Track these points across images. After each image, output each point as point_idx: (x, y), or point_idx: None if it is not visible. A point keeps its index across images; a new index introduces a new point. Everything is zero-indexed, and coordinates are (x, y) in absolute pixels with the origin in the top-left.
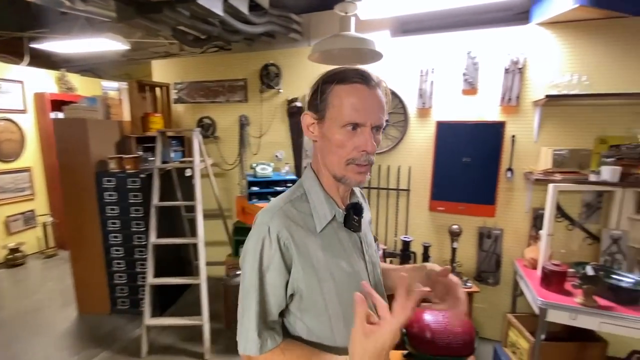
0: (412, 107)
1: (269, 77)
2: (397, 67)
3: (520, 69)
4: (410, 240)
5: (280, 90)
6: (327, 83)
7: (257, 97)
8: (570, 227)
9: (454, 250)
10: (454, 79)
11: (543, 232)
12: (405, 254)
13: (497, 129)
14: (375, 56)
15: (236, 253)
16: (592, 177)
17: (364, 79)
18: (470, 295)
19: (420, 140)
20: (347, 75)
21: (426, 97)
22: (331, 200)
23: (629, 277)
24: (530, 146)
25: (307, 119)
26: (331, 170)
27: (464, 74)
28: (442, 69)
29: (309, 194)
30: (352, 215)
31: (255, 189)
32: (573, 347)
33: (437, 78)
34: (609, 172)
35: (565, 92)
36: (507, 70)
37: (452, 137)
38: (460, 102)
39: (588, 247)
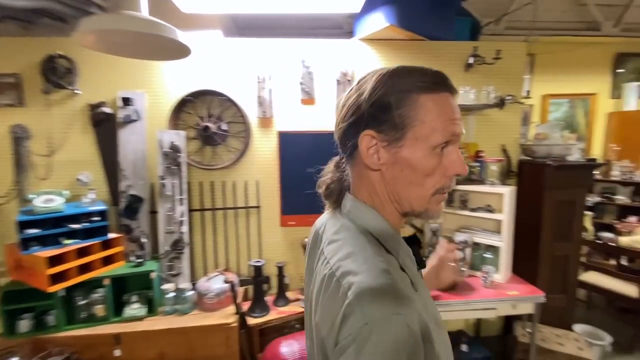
0: (252, 116)
1: (55, 73)
2: (231, 71)
3: (349, 80)
4: (262, 264)
5: (76, 92)
6: (404, 92)
7: (41, 100)
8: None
9: None
10: (292, 87)
11: None
12: (258, 281)
13: None
14: (180, 51)
15: (10, 331)
16: None
17: (449, 85)
18: None
19: (265, 152)
20: (435, 80)
21: (266, 106)
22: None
23: None
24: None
25: (368, 140)
26: (407, 205)
27: (301, 83)
28: (279, 76)
29: (385, 242)
30: (419, 251)
31: (34, 231)
32: None
33: (275, 86)
34: None
35: None
36: (338, 82)
37: (295, 148)
38: (300, 111)
39: None
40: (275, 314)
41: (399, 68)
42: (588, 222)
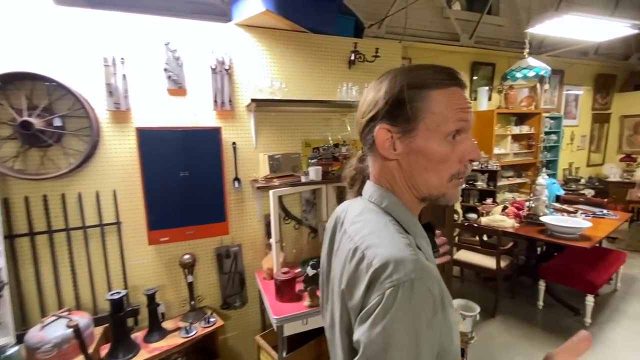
0: (101, 109)
1: None
2: (66, 49)
3: (227, 70)
4: (122, 296)
5: None
6: (417, 88)
7: None
8: (297, 226)
9: (190, 285)
10: (155, 74)
11: (272, 240)
12: (118, 317)
13: (213, 135)
14: None
15: None
16: (303, 178)
17: (459, 80)
18: (215, 332)
19: (121, 154)
20: (445, 77)
21: (120, 96)
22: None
23: None
24: (252, 153)
25: (384, 133)
26: (426, 190)
27: (166, 70)
28: (136, 60)
29: (404, 223)
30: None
31: None
32: (313, 347)
33: (131, 71)
34: (313, 172)
35: (269, 97)
36: (214, 70)
37: (162, 148)
38: (168, 104)
39: (313, 240)
40: (146, 352)
41: (413, 67)
42: (458, 207)
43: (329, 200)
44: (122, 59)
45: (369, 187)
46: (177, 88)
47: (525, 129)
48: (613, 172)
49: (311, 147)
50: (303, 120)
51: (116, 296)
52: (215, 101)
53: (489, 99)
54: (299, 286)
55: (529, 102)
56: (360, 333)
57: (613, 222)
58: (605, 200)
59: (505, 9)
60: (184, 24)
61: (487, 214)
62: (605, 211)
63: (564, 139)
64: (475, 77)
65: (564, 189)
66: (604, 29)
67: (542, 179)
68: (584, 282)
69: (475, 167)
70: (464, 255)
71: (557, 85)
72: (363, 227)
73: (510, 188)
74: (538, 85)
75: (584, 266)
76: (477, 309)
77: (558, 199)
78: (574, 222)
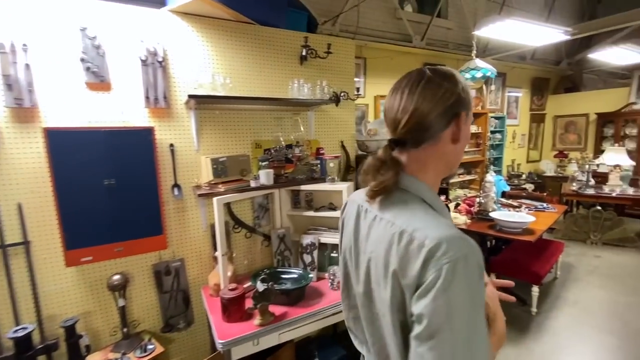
0: None
1: None
2: None
3: (161, 62)
4: (28, 332)
5: None
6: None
7: None
8: (249, 235)
9: (121, 309)
10: (69, 65)
11: (218, 254)
12: (23, 358)
13: (145, 136)
14: None
15: None
16: (253, 183)
17: None
18: None
19: (26, 161)
20: None
21: (22, 90)
22: None
23: (294, 272)
24: (193, 156)
25: (463, 119)
26: (454, 169)
27: (84, 60)
28: (43, 47)
29: (436, 207)
30: None
31: None
32: None
33: (36, 61)
34: (264, 176)
35: (211, 93)
36: (144, 62)
37: (80, 152)
38: (87, 100)
39: (266, 249)
40: None
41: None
42: None
43: (283, 206)
44: (24, 45)
45: (404, 178)
46: (99, 82)
47: (473, 128)
48: (549, 167)
49: (262, 148)
50: (252, 120)
51: (21, 333)
52: (147, 97)
53: None
54: (249, 303)
55: (476, 102)
56: (422, 307)
57: (552, 215)
58: (545, 194)
59: (453, 12)
60: (106, 7)
61: None
62: (545, 204)
63: (507, 138)
64: None
65: (509, 184)
66: (539, 34)
67: (490, 176)
68: (530, 273)
69: None
70: None
71: (500, 87)
72: (402, 213)
73: (461, 185)
74: (484, 87)
75: (529, 258)
76: None
77: (504, 194)
78: (520, 216)
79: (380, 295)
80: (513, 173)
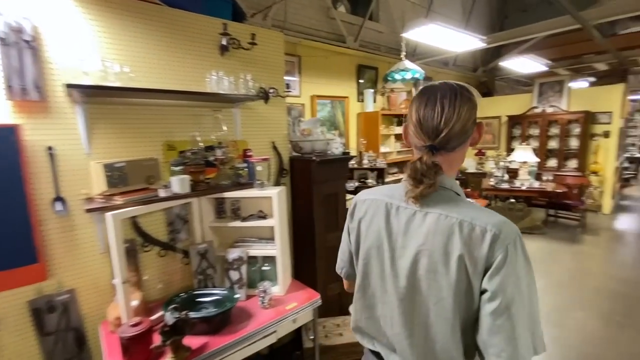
0: None
1: None
2: None
3: (29, 42)
4: None
5: None
6: None
7: None
8: (163, 253)
9: None
10: None
11: (116, 281)
12: None
13: (6, 138)
14: None
15: None
16: (163, 192)
17: None
18: None
19: None
20: None
21: None
22: None
23: (216, 294)
24: (82, 161)
25: (483, 125)
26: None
27: None
28: None
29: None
30: None
31: None
32: None
33: None
34: (177, 183)
35: (100, 83)
36: (4, 41)
37: None
38: None
39: (187, 267)
40: None
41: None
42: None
43: (204, 217)
44: None
45: (446, 179)
46: None
47: (400, 129)
48: (470, 165)
49: (177, 150)
50: (163, 117)
51: None
52: (10, 86)
53: (374, 100)
54: (158, 339)
55: (407, 104)
56: (496, 284)
57: None
58: (468, 189)
59: (384, 16)
60: None
61: None
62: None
63: None
64: (361, 80)
65: None
66: (459, 41)
67: None
68: None
69: (365, 166)
70: None
71: None
72: (452, 206)
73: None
74: (413, 89)
75: None
76: None
77: None
78: None
79: (438, 283)
80: None
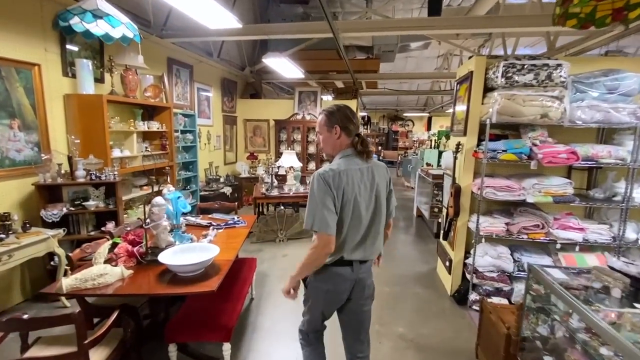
0: None
1: None
2: None
3: None
4: None
5: None
6: None
7: None
8: None
9: None
10: None
11: None
12: None
13: None
14: None
15: None
16: None
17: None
18: None
19: None
20: None
21: None
22: None
23: None
24: None
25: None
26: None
27: None
28: None
29: None
30: None
31: None
32: None
33: None
34: None
35: None
36: None
37: None
38: None
39: None
40: None
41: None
42: (62, 253)
43: None
44: None
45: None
46: None
47: (155, 126)
48: (243, 168)
49: None
50: None
51: None
52: None
53: (100, 79)
54: None
55: (156, 92)
56: (391, 185)
57: (242, 232)
58: (235, 204)
59: None
60: None
61: (84, 264)
62: (236, 218)
63: (202, 139)
64: (69, 45)
65: (206, 191)
66: (215, 15)
67: (161, 198)
68: (217, 331)
69: (80, 179)
70: None
71: (187, 81)
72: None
73: (148, 198)
74: (165, 78)
75: (215, 305)
76: None
77: (187, 214)
78: (201, 248)
79: (382, 194)
80: (211, 177)
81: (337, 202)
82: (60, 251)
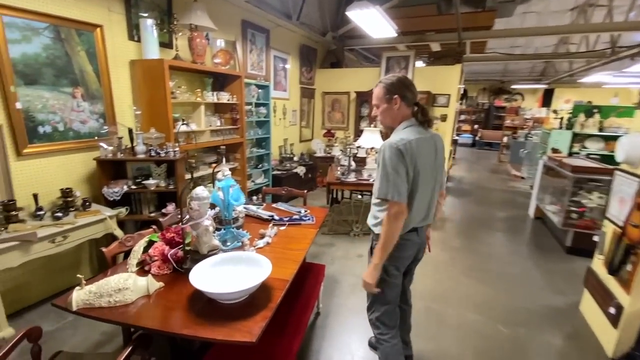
0: None
1: None
2: None
3: None
4: None
5: None
6: None
7: None
8: None
9: None
10: None
11: None
12: None
13: None
14: None
15: None
16: None
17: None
18: None
19: None
20: None
21: None
22: None
23: None
24: None
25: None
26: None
27: None
28: None
29: None
30: None
31: None
32: None
33: None
34: None
35: None
36: None
37: None
38: None
39: None
40: None
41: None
42: (119, 233)
43: None
44: None
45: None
46: None
47: (225, 97)
48: (319, 147)
49: None
50: None
51: None
52: None
53: (167, 43)
54: None
55: (226, 58)
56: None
57: (309, 232)
58: (305, 191)
59: None
60: None
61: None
62: (303, 212)
63: (277, 113)
64: (135, 4)
65: (279, 170)
66: None
67: (203, 189)
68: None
69: (141, 155)
70: None
71: (263, 48)
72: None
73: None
74: (237, 43)
75: (265, 338)
76: None
77: (256, 192)
78: (249, 261)
79: (442, 165)
80: (285, 155)
81: (410, 171)
82: (119, 233)
